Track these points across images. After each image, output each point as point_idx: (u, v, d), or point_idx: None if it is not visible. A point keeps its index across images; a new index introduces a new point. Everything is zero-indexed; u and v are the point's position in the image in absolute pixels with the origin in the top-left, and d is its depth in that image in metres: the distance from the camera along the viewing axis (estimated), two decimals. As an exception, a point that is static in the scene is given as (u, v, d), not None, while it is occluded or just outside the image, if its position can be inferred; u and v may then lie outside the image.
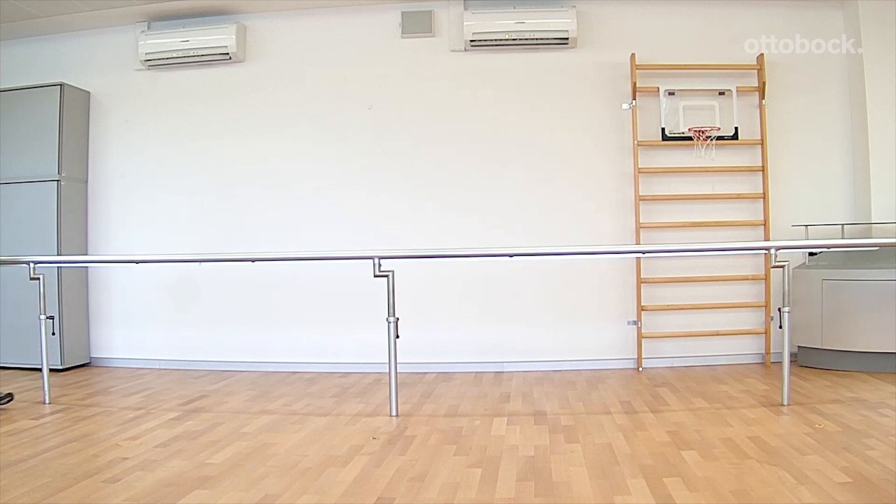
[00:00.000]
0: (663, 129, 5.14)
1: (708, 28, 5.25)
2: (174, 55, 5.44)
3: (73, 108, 5.56)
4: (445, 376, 4.95)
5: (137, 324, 5.61)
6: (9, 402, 3.91)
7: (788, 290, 3.82)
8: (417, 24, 5.35)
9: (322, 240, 5.28)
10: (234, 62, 5.50)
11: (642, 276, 5.12)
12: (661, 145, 5.17)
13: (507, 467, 2.84)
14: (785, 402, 3.78)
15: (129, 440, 3.36)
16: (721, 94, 5.12)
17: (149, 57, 5.47)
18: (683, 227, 5.11)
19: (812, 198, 5.20)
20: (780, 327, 3.80)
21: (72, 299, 5.52)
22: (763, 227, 5.11)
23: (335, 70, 5.45)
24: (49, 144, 5.40)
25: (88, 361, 5.67)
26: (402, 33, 5.38)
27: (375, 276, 3.83)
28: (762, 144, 5.13)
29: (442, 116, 5.36)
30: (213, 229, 5.49)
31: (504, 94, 5.32)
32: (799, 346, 4.88)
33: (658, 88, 5.14)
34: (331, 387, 4.68)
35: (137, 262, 4.66)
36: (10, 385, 4.76)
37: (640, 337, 5.09)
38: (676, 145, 5.14)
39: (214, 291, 5.47)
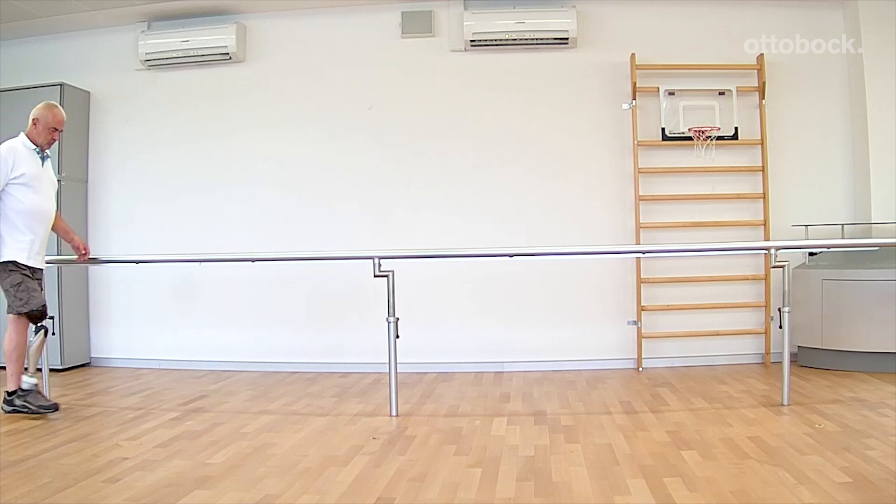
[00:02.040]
0: (663, 129, 5.14)
1: (708, 28, 5.25)
2: (174, 55, 5.44)
3: (73, 108, 5.55)
4: (445, 376, 4.95)
5: (137, 324, 5.61)
6: (55, 410, 3.87)
7: (788, 290, 3.83)
8: (417, 24, 5.35)
9: (322, 239, 5.28)
10: (234, 62, 5.50)
11: (642, 276, 5.12)
12: (661, 145, 5.17)
13: (507, 467, 2.84)
14: (785, 402, 3.78)
15: (129, 440, 3.36)
16: (721, 94, 5.13)
17: (149, 57, 5.47)
18: (683, 227, 5.12)
19: (812, 198, 5.20)
20: (780, 327, 3.81)
21: (72, 299, 5.52)
22: (763, 227, 5.11)
23: (335, 70, 5.45)
24: (49, 144, 5.39)
25: (88, 361, 5.67)
26: (402, 33, 5.38)
27: (375, 276, 3.83)
28: (762, 144, 5.13)
29: (442, 116, 5.36)
30: (214, 229, 5.49)
31: (504, 94, 5.33)
32: (799, 346, 4.88)
33: (658, 88, 5.14)
34: (331, 387, 4.68)
35: (137, 262, 4.67)
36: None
37: (640, 337, 5.09)
38: (676, 145, 5.14)
39: (215, 291, 5.47)
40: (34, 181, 3.84)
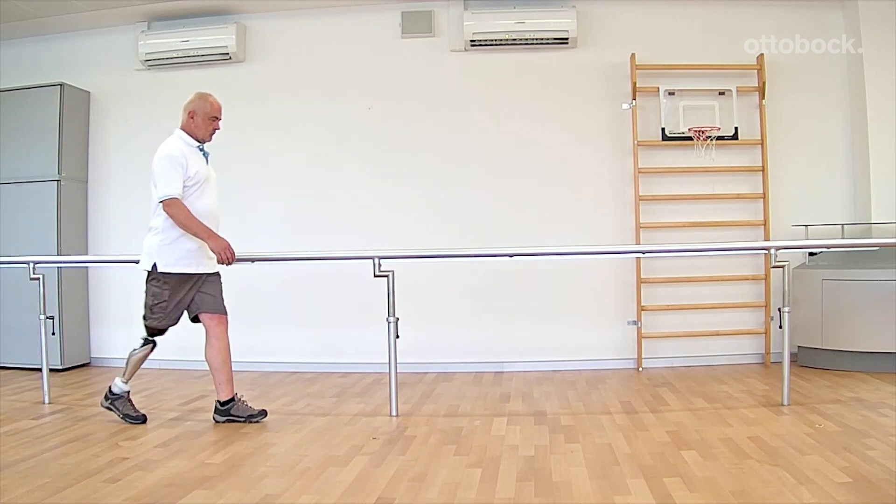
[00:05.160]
0: (663, 129, 5.14)
1: (708, 28, 5.25)
2: (174, 55, 5.44)
3: (73, 108, 5.55)
4: (445, 376, 4.95)
5: (137, 324, 5.54)
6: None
7: (788, 290, 3.82)
8: (417, 24, 5.35)
9: (321, 240, 5.28)
10: (234, 62, 5.50)
11: (642, 276, 5.12)
12: (661, 145, 5.17)
13: (507, 467, 2.84)
14: (785, 402, 3.78)
15: (129, 440, 3.36)
16: (721, 94, 5.13)
17: (149, 57, 5.47)
18: (683, 227, 5.12)
19: (812, 198, 5.20)
20: (780, 327, 3.80)
21: (72, 299, 5.52)
22: (763, 227, 5.11)
23: (335, 70, 5.45)
24: (49, 144, 5.40)
25: (88, 361, 5.67)
26: (402, 33, 5.38)
27: (375, 276, 3.83)
28: (762, 144, 5.13)
29: (442, 116, 5.36)
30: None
31: (504, 94, 5.33)
32: (799, 346, 4.88)
33: (658, 88, 5.14)
34: (331, 387, 4.68)
35: (137, 262, 4.64)
36: (9, 385, 4.77)
37: (640, 337, 5.09)
38: (676, 145, 5.14)
39: (214, 291, 5.46)
40: (203, 181, 3.59)
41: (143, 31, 5.51)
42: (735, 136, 5.11)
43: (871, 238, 4.80)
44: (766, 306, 5.10)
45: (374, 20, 5.41)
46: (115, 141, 5.71)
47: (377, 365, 4.55)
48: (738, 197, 5.17)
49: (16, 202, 5.45)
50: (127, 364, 3.71)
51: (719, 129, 5.05)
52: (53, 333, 4.43)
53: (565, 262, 5.01)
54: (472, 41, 5.22)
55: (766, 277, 5.10)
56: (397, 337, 3.82)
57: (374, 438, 3.33)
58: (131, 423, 3.67)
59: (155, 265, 3.58)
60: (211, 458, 3.04)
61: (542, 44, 5.22)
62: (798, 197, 5.18)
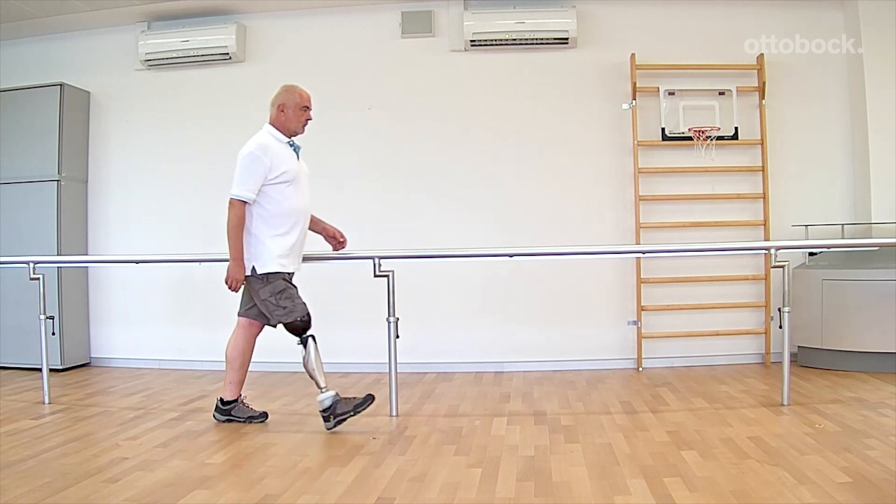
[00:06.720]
0: (663, 129, 5.14)
1: (708, 28, 5.25)
2: (174, 55, 5.44)
3: (73, 108, 5.55)
4: (445, 376, 4.95)
5: (137, 324, 5.60)
6: (264, 420, 3.62)
7: (788, 290, 3.82)
8: (417, 24, 5.35)
9: (321, 239, 5.26)
10: (234, 62, 5.50)
11: (642, 276, 5.12)
12: (661, 145, 5.17)
13: (507, 467, 2.84)
14: (785, 402, 3.78)
15: (129, 440, 3.36)
16: (721, 94, 5.13)
17: (149, 57, 5.47)
18: (683, 227, 5.12)
19: (812, 198, 5.20)
20: (780, 327, 3.80)
21: (72, 299, 5.52)
22: (763, 227, 5.11)
23: (335, 70, 5.45)
24: (49, 144, 5.40)
25: (88, 361, 5.67)
26: (402, 33, 5.38)
27: (375, 276, 3.83)
28: (762, 144, 5.13)
29: (442, 116, 5.36)
30: (213, 229, 5.45)
31: (504, 94, 5.32)
32: (799, 346, 4.88)
33: (658, 88, 5.14)
34: (331, 387, 4.65)
35: (137, 262, 4.66)
36: (9, 385, 4.77)
37: (640, 337, 5.09)
38: (676, 145, 5.14)
39: (214, 291, 5.43)
40: (294, 178, 3.48)
41: (143, 31, 5.51)
42: (735, 136, 5.11)
43: (871, 238, 4.80)
44: (766, 306, 5.10)
45: (374, 20, 5.41)
46: (115, 141, 5.71)
47: (377, 365, 4.55)
48: (738, 197, 5.17)
49: (16, 202, 5.45)
50: (310, 374, 3.54)
51: (719, 129, 5.05)
52: (53, 333, 4.42)
53: (565, 262, 5.01)
54: (472, 41, 5.22)
55: (766, 277, 5.10)
56: (397, 337, 3.83)
57: (374, 438, 3.34)
58: (355, 413, 3.50)
59: (254, 268, 3.46)
60: (211, 458, 3.04)
61: (542, 44, 5.22)
62: (798, 197, 5.18)
